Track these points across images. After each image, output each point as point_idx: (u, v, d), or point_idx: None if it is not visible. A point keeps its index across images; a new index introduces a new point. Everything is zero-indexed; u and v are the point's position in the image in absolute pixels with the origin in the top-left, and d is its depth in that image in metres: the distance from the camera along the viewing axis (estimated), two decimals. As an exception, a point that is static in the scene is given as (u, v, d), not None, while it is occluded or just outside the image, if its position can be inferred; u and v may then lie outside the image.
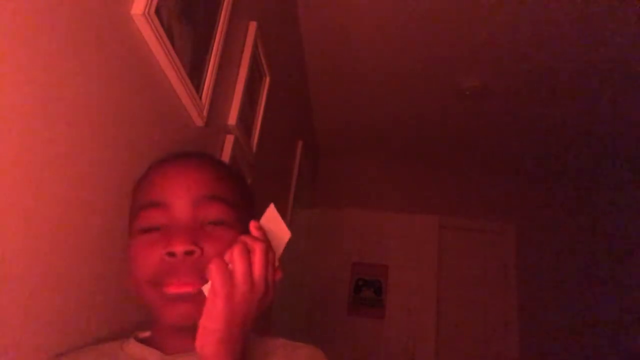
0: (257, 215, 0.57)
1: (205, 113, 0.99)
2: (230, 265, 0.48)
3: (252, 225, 0.52)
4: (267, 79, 1.54)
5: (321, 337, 2.98)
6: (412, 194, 3.44)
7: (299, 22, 2.13)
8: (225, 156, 1.21)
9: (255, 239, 0.51)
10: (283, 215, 2.31)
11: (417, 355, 2.96)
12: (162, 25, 0.76)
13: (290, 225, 2.40)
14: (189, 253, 0.52)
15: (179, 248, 0.51)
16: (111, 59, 0.65)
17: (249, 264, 0.48)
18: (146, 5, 0.69)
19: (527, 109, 2.61)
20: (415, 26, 2.06)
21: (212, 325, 0.45)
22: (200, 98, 0.96)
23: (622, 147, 2.85)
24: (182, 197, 0.55)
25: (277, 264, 0.53)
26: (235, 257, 0.48)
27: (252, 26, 1.33)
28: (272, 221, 0.56)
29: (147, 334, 0.62)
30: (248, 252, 0.49)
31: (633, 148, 2.83)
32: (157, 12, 0.74)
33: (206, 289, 0.48)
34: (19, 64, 0.48)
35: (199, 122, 0.98)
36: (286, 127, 2.20)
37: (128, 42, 0.70)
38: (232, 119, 1.22)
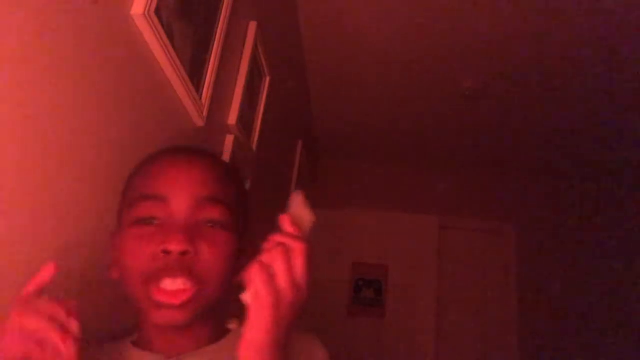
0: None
1: (205, 113, 0.99)
2: (271, 270, 0.45)
3: (284, 220, 0.49)
4: (267, 79, 1.54)
5: (321, 337, 2.98)
6: (412, 194, 3.44)
7: (299, 22, 2.12)
8: (225, 156, 1.21)
9: (294, 237, 0.48)
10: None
11: (417, 355, 2.96)
12: (162, 25, 0.76)
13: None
14: (183, 253, 0.50)
15: (176, 247, 0.50)
16: (111, 59, 0.65)
17: (291, 268, 0.46)
18: (146, 5, 0.69)
19: (527, 109, 2.61)
20: (415, 26, 2.06)
21: (257, 336, 0.43)
22: (200, 98, 0.96)
23: (623, 147, 2.85)
24: (182, 194, 0.54)
25: None
26: (278, 262, 0.45)
27: (252, 26, 1.33)
28: (299, 209, 0.53)
29: (135, 336, 0.60)
30: (288, 254, 0.46)
31: (634, 148, 2.83)
32: (157, 12, 0.74)
33: (247, 297, 0.45)
34: (18, 64, 0.48)
35: (199, 122, 0.98)
36: (286, 127, 2.20)
37: (128, 42, 0.70)
38: (232, 119, 1.22)
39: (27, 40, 0.49)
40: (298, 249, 0.46)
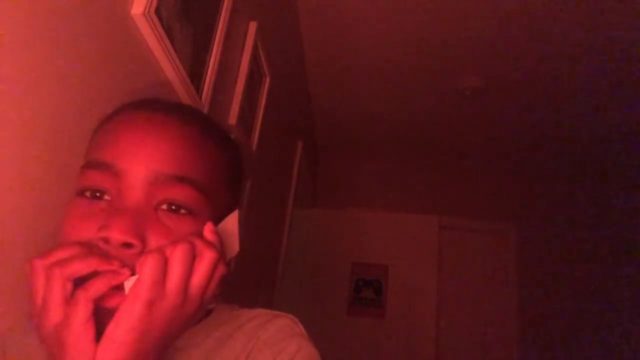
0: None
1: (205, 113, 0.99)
2: (167, 266, 0.38)
3: (208, 227, 0.42)
4: (267, 79, 1.54)
5: (321, 337, 2.97)
6: (412, 194, 3.44)
7: (299, 22, 2.12)
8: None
9: (208, 244, 0.40)
10: (283, 216, 2.29)
11: (417, 355, 2.96)
12: (162, 25, 0.76)
13: (290, 226, 2.38)
14: (127, 246, 0.39)
15: (117, 237, 0.38)
16: (111, 58, 0.65)
17: (189, 272, 0.38)
18: (146, 5, 0.69)
19: (527, 109, 2.61)
20: (415, 26, 2.06)
21: (119, 336, 0.35)
22: (200, 98, 0.96)
23: (623, 147, 2.85)
24: (138, 166, 0.41)
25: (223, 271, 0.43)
26: (175, 259, 0.38)
27: (252, 26, 1.33)
28: (230, 229, 0.47)
29: None
30: (193, 257, 0.39)
31: (634, 148, 2.83)
32: (157, 12, 0.74)
33: (128, 285, 0.37)
34: (19, 63, 0.48)
35: (199, 122, 0.98)
36: (286, 127, 2.20)
37: (128, 42, 0.70)
38: (232, 119, 1.22)
39: (26, 40, 0.49)
40: (207, 256, 0.39)
